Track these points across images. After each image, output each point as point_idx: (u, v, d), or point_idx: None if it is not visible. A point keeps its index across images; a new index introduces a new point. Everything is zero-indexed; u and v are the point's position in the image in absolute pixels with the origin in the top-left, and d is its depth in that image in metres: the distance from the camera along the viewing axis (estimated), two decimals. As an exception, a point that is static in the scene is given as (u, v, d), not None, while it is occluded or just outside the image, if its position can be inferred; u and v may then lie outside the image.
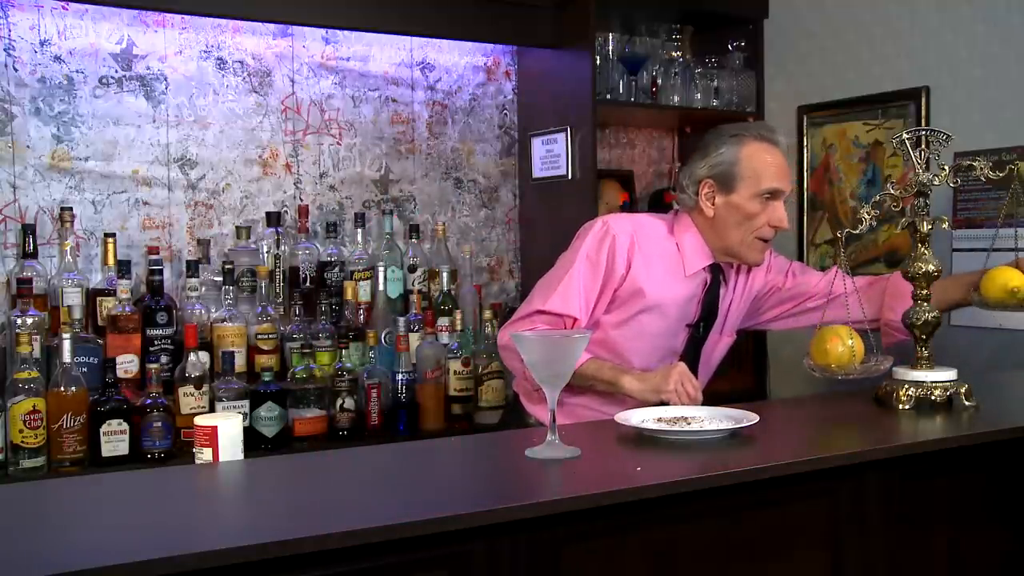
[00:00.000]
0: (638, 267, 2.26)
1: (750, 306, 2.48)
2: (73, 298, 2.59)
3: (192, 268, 2.78)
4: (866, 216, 2.12)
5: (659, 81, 3.42)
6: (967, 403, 2.07)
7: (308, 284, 2.96)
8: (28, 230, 2.60)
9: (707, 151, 2.29)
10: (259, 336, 2.80)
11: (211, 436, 1.73)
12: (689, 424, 1.83)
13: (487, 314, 3.13)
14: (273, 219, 2.96)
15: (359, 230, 3.10)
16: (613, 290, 2.27)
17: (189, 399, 2.59)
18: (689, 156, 2.38)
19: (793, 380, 3.49)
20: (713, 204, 2.28)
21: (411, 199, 3.31)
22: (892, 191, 2.16)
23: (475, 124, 3.43)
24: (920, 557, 1.87)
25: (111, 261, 2.68)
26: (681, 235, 2.34)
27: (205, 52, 2.95)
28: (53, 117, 2.74)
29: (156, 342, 2.68)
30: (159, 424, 2.51)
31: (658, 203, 3.69)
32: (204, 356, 2.69)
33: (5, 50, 2.68)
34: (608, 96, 3.31)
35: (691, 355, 2.35)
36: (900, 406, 2.06)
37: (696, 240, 2.33)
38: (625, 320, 2.28)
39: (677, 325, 2.32)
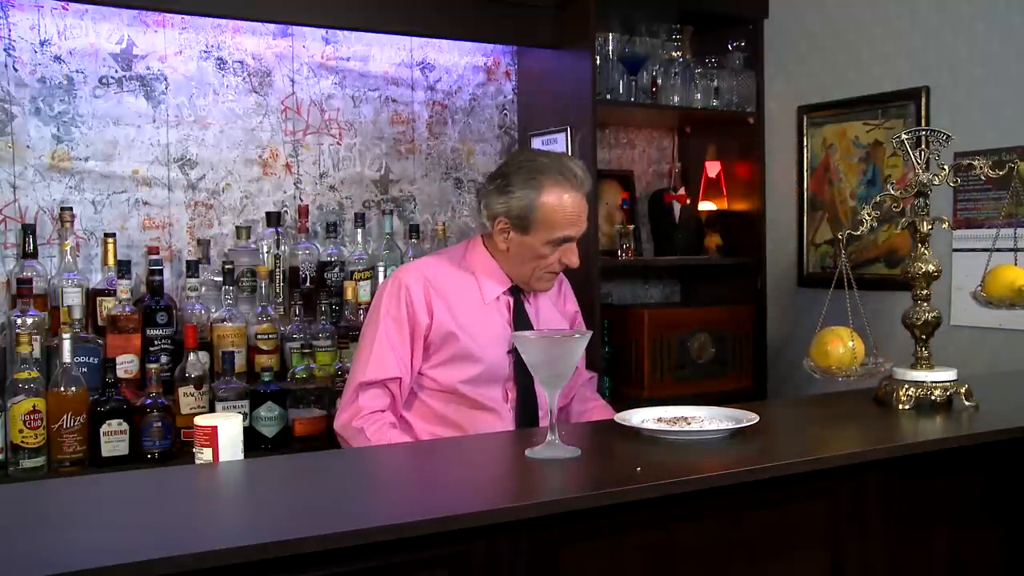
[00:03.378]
0: (440, 310, 2.27)
1: (568, 318, 2.54)
2: (73, 298, 2.59)
3: (192, 268, 2.78)
4: (867, 217, 2.12)
5: (659, 81, 3.42)
6: (967, 403, 2.07)
7: (308, 284, 2.96)
8: (28, 230, 2.60)
9: (507, 187, 2.26)
10: (259, 336, 2.80)
11: (211, 436, 1.73)
12: (689, 424, 1.83)
13: (487, 314, 3.13)
14: (273, 219, 2.96)
15: (359, 230, 3.10)
16: (424, 338, 2.28)
17: (189, 399, 2.59)
18: (488, 182, 2.35)
19: (793, 380, 3.49)
20: (507, 239, 2.29)
21: (411, 199, 3.31)
22: (892, 191, 2.16)
23: (475, 124, 3.43)
24: (920, 557, 1.87)
25: (111, 261, 2.68)
26: (475, 263, 2.36)
27: (205, 52, 2.95)
28: (53, 117, 2.74)
29: (156, 342, 2.68)
30: (159, 424, 2.51)
31: (658, 203, 3.70)
32: (204, 356, 2.69)
33: (5, 50, 2.68)
34: (608, 96, 3.32)
35: (523, 378, 2.33)
36: (900, 406, 2.06)
37: (491, 266, 2.35)
38: (446, 362, 2.29)
39: (498, 353, 2.31)
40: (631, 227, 3.50)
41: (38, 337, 2.47)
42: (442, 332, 2.27)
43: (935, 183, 2.11)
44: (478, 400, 2.30)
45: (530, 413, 2.35)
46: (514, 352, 2.32)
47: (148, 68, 2.87)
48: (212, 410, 2.60)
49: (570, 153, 3.21)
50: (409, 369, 2.29)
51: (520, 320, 2.36)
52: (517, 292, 2.38)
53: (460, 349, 2.28)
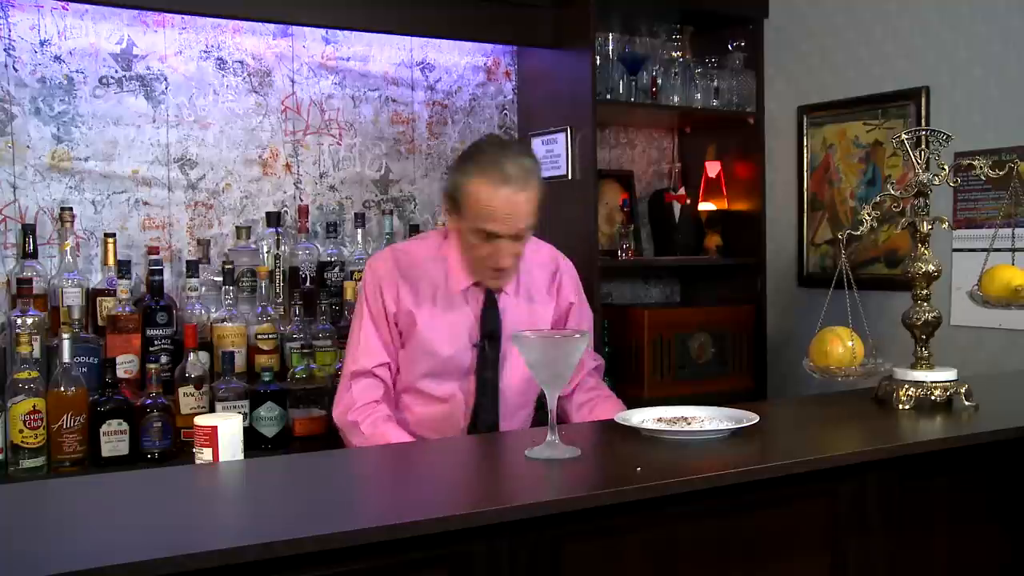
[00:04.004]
0: (405, 297, 2.25)
1: (563, 310, 2.43)
2: (73, 298, 2.59)
3: (192, 268, 2.78)
4: (867, 217, 2.12)
5: (659, 81, 3.42)
6: (967, 403, 2.07)
7: (308, 284, 2.96)
8: (28, 230, 2.60)
9: (452, 166, 2.24)
10: (259, 336, 2.79)
11: (211, 436, 1.73)
12: (689, 424, 1.83)
13: (487, 314, 3.13)
14: (273, 219, 2.96)
15: (359, 230, 3.10)
16: (395, 325, 2.26)
17: (189, 399, 2.59)
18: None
19: (793, 380, 3.49)
20: (449, 219, 2.25)
21: (411, 199, 3.31)
22: (892, 191, 2.16)
23: (475, 124, 3.43)
24: (920, 557, 1.87)
25: (111, 261, 2.68)
26: (451, 249, 2.29)
27: (205, 52, 2.95)
28: (53, 117, 2.74)
29: (156, 342, 2.68)
30: (159, 424, 2.51)
31: (658, 203, 3.70)
32: (204, 356, 2.69)
33: (5, 50, 2.68)
34: (608, 96, 3.31)
35: (488, 374, 2.28)
36: (900, 406, 2.06)
37: (459, 254, 2.28)
38: (413, 349, 2.26)
39: (459, 346, 2.26)
40: (631, 227, 3.50)
41: (38, 337, 2.47)
42: (406, 320, 2.25)
43: (935, 183, 2.11)
44: (432, 393, 2.27)
45: (490, 410, 2.29)
46: (480, 345, 2.27)
47: (148, 68, 2.87)
48: (212, 410, 2.60)
49: (569, 153, 3.21)
50: (394, 354, 2.28)
51: (490, 313, 2.28)
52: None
53: (419, 338, 2.25)
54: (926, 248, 2.12)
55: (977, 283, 2.17)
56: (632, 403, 2.65)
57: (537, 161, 2.24)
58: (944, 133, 2.14)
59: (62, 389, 2.41)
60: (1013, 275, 2.11)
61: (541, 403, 2.50)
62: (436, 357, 2.26)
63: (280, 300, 2.91)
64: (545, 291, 2.41)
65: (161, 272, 2.75)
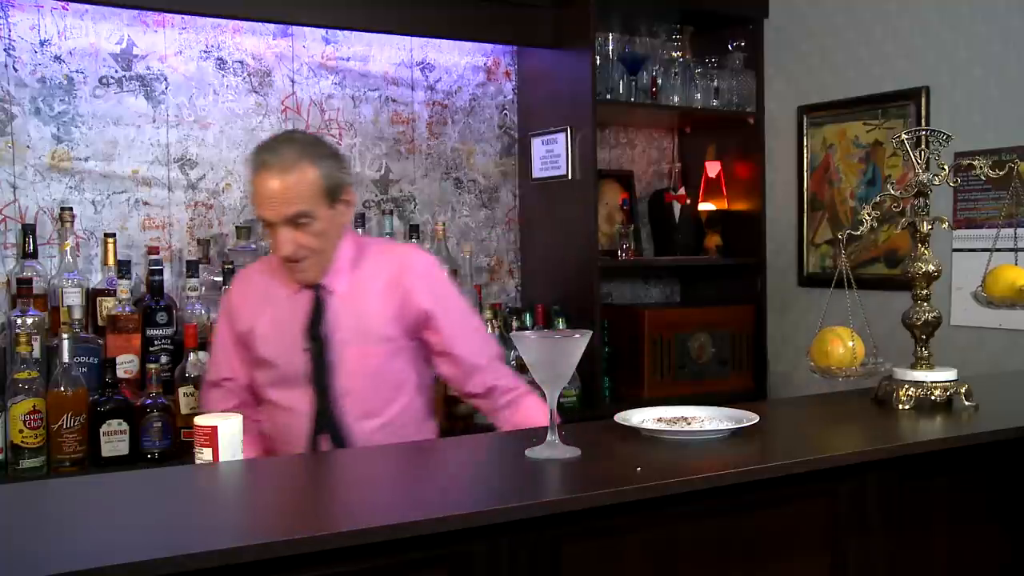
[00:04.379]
0: (246, 311, 2.23)
1: (415, 315, 2.20)
2: (73, 298, 2.59)
3: (192, 268, 2.78)
4: (867, 217, 2.12)
5: (659, 81, 3.42)
6: (967, 403, 2.06)
7: (308, 284, 2.96)
8: (28, 230, 2.60)
9: None
10: (259, 336, 2.79)
11: (211, 436, 1.73)
12: (689, 424, 1.83)
13: (487, 314, 3.13)
14: (273, 219, 2.96)
15: (359, 230, 3.09)
16: (242, 342, 2.24)
17: (189, 399, 2.59)
18: None
19: (793, 380, 3.49)
20: None
21: (411, 199, 3.31)
22: (892, 191, 2.16)
23: (475, 124, 3.43)
24: (920, 557, 1.87)
25: (111, 261, 2.68)
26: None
27: (205, 52, 2.95)
28: (53, 117, 2.74)
29: (156, 342, 2.68)
30: (159, 424, 2.51)
31: (658, 203, 3.70)
32: (204, 356, 2.68)
33: (5, 50, 2.68)
34: (608, 96, 3.32)
35: (324, 379, 2.18)
36: (900, 406, 2.06)
37: None
38: (256, 358, 2.22)
39: (290, 350, 2.17)
40: (631, 227, 3.50)
41: (38, 337, 2.47)
42: (248, 332, 2.22)
43: (935, 183, 2.10)
44: (277, 402, 2.23)
45: (332, 418, 2.19)
46: (311, 350, 2.17)
47: (148, 68, 2.87)
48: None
49: (569, 153, 3.21)
50: (244, 371, 2.26)
51: (316, 316, 2.17)
52: (317, 287, 2.18)
53: (257, 347, 2.22)
54: (926, 248, 2.12)
55: (981, 283, 2.17)
56: (632, 403, 2.66)
57: (311, 149, 2.10)
58: (944, 133, 2.14)
59: (62, 389, 2.41)
60: (1017, 275, 2.11)
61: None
62: (272, 364, 2.21)
63: (280, 300, 2.91)
64: (381, 292, 2.20)
65: (161, 272, 2.76)
